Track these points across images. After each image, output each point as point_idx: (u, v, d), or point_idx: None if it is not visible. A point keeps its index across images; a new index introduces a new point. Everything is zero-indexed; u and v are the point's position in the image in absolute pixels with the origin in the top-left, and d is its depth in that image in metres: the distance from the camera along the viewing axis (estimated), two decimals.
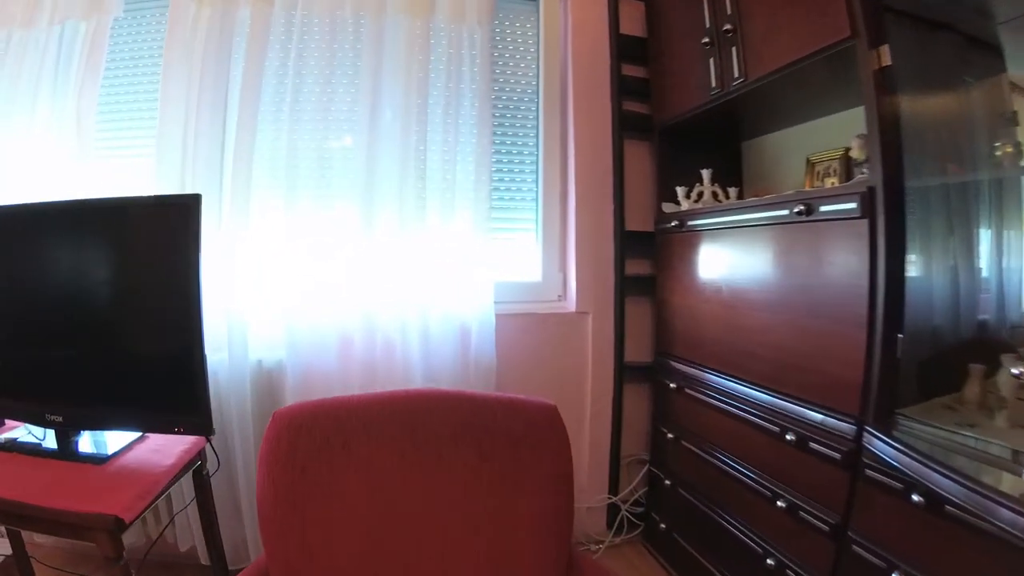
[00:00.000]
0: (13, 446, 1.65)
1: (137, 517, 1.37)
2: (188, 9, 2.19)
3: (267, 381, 2.16)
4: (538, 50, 2.52)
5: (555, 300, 2.55)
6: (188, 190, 2.05)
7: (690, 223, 2.13)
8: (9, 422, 1.80)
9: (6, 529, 1.97)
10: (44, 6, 2.37)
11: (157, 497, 1.50)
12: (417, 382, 2.16)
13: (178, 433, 1.62)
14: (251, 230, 2.11)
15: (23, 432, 1.72)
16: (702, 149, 2.31)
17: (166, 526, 2.12)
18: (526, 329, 2.41)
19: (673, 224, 2.22)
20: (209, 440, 1.70)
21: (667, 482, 2.27)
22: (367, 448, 1.39)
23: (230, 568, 1.96)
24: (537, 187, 2.53)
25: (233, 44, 2.20)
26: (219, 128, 2.16)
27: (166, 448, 1.64)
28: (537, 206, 2.54)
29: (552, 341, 2.45)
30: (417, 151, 2.19)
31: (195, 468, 1.73)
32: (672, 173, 2.33)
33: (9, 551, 2.03)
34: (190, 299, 1.55)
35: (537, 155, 2.53)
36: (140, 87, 2.44)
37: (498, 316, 2.28)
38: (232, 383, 2.09)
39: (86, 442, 1.66)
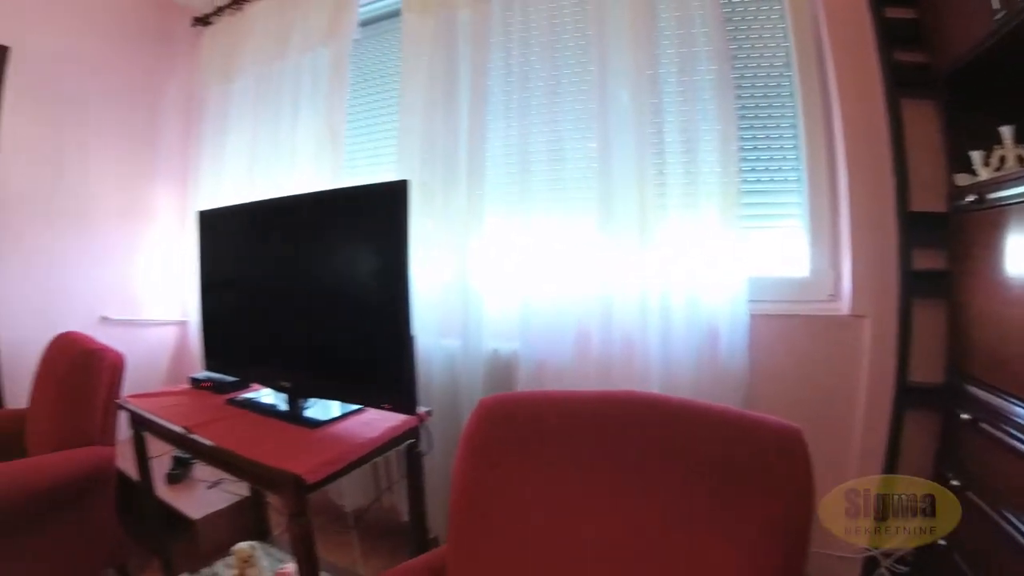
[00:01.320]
0: (249, 404, 2.00)
1: (320, 482, 1.49)
2: (414, 21, 2.48)
3: (503, 370, 2.28)
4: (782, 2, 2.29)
5: (825, 300, 2.27)
6: (427, 188, 2.31)
7: (992, 196, 1.73)
8: (254, 385, 2.19)
9: None
10: (293, 40, 2.89)
11: (353, 466, 1.63)
12: (654, 386, 2.09)
13: (385, 409, 1.78)
14: (487, 223, 2.27)
15: (262, 395, 2.08)
16: (1000, 103, 1.86)
17: (378, 496, 2.43)
18: (787, 333, 2.18)
19: (969, 200, 1.83)
20: (422, 419, 1.83)
21: (942, 542, 1.75)
22: (561, 455, 1.33)
23: (440, 544, 2.03)
24: (800, 166, 2.30)
25: (459, 45, 2.39)
26: (454, 125, 2.34)
27: (376, 423, 1.80)
28: (802, 188, 2.30)
29: (818, 349, 2.18)
30: (653, 130, 2.11)
31: (409, 444, 1.85)
32: (963, 136, 1.93)
33: (247, 493, 2.51)
34: (398, 283, 1.70)
35: (796, 128, 2.29)
36: (384, 99, 2.84)
37: (753, 316, 2.11)
38: (466, 369, 2.26)
39: (313, 409, 1.91)
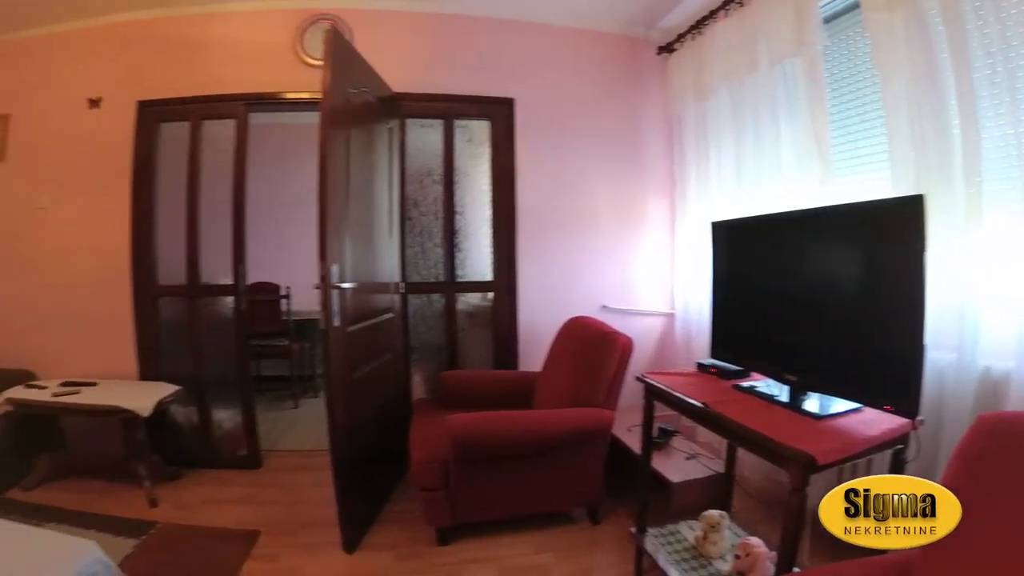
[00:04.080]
0: (752, 391, 2.29)
1: (828, 464, 1.69)
2: (880, 19, 2.45)
3: (991, 389, 2.19)
4: None
5: None
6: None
7: None
8: (755, 375, 2.47)
9: (725, 454, 2.81)
10: (760, 53, 3.07)
11: (850, 458, 1.79)
12: None
13: (886, 411, 1.86)
14: (984, 230, 2.17)
15: (763, 384, 2.34)
16: None
17: None
18: None
19: None
20: (915, 427, 1.87)
21: None
22: None
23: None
24: None
25: (933, 40, 2.30)
26: (943, 123, 2.28)
27: (873, 423, 1.90)
28: None
29: None
30: None
31: (896, 449, 1.92)
32: None
33: (721, 470, 2.87)
34: (913, 296, 1.77)
35: None
36: (862, 103, 2.80)
37: None
38: (956, 384, 2.24)
39: (811, 403, 2.10)
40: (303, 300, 5.60)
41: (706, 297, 3.10)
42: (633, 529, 2.68)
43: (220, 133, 3.85)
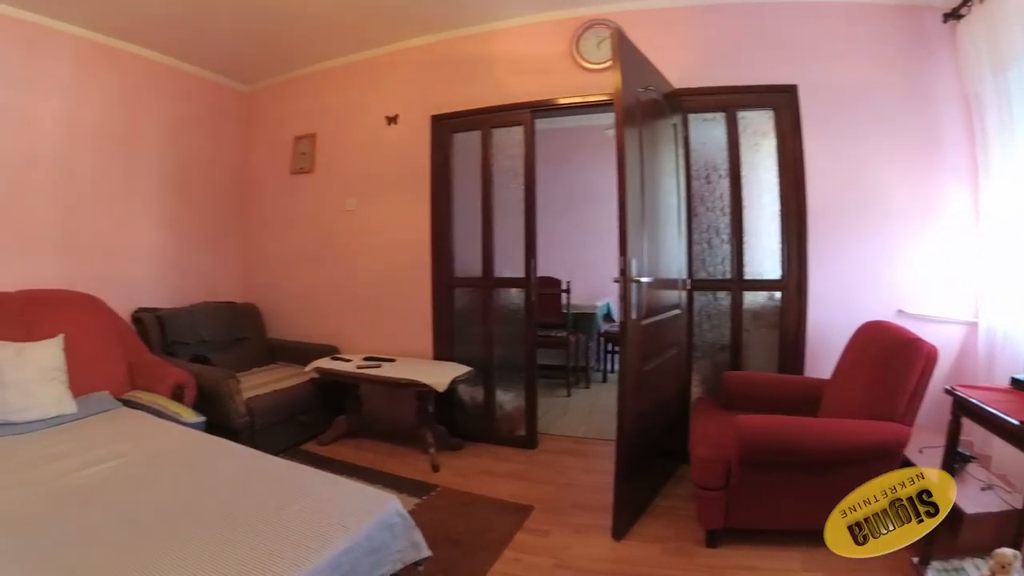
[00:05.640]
0: None
1: None
2: None
3: None
4: None
5: None
6: None
7: None
8: None
9: None
10: None
11: None
12: None
13: None
14: None
15: None
16: None
17: None
18: None
19: None
20: None
21: None
22: None
23: None
24: None
25: None
26: None
27: None
28: None
29: None
30: None
31: None
32: None
33: (1019, 506, 2.60)
34: None
35: None
36: None
37: None
38: None
39: None
40: (580, 295, 6.07)
41: (1020, 303, 2.82)
42: (915, 559, 2.54)
43: (505, 139, 4.29)
